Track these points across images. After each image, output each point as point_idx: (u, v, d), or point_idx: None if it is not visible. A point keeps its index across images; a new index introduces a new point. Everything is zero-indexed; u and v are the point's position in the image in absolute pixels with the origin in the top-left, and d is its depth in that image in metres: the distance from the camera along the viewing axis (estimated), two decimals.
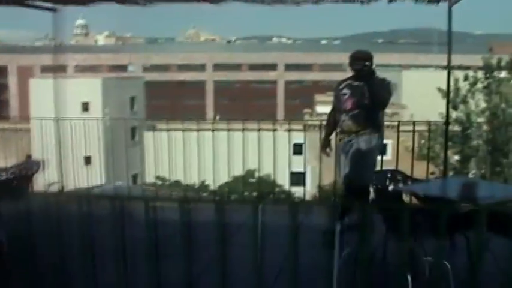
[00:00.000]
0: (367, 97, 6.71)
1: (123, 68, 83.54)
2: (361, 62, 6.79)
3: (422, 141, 17.25)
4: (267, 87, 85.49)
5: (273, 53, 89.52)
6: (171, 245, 4.08)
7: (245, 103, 78.44)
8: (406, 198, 6.25)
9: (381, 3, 6.96)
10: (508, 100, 22.20)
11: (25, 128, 33.03)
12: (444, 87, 20.12)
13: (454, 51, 7.54)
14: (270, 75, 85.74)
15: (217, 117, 62.41)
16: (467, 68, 22.79)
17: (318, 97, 48.82)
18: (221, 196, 25.35)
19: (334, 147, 7.27)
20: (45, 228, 4.32)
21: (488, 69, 22.87)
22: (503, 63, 23.07)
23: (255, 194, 28.71)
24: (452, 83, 17.49)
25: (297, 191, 19.01)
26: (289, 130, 10.17)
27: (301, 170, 13.39)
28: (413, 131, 9.00)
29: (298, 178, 18.27)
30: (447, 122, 7.94)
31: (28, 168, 7.28)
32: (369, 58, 6.84)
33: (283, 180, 28.28)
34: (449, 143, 14.59)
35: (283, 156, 11.28)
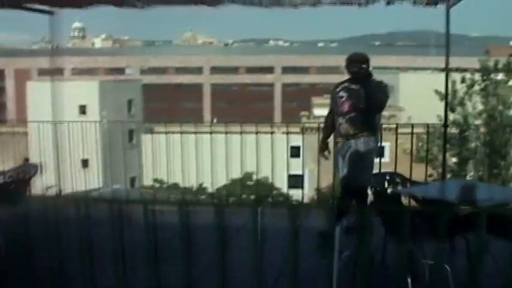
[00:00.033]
0: (364, 100, 6.67)
1: (120, 70, 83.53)
2: (357, 65, 6.75)
3: (420, 143, 17.26)
4: (264, 90, 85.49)
5: (270, 56, 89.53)
6: (170, 248, 4.07)
7: (242, 106, 78.43)
8: (404, 200, 6.24)
9: (378, 5, 6.97)
10: (506, 102, 22.22)
11: (22, 131, 33.07)
12: (441, 89, 20.16)
13: (451, 54, 7.53)
14: (267, 78, 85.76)
15: (215, 120, 62.41)
16: (464, 70, 22.79)
17: (315, 100, 48.88)
18: (219, 199, 25.32)
19: (333, 150, 7.25)
20: (43, 232, 4.31)
21: (485, 71, 22.88)
22: (500, 66, 23.08)
23: (252, 196, 28.70)
24: (449, 85, 17.51)
25: (295, 193, 18.98)
26: (288, 133, 10.15)
27: (298, 172, 13.38)
28: (412, 134, 9.00)
29: (295, 181, 18.25)
30: (445, 125, 7.94)
31: (26, 171, 7.26)
32: (366, 61, 6.81)
33: (280, 183, 28.29)
34: (447, 145, 14.59)
35: (281, 158, 11.26)
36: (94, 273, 4.32)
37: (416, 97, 39.75)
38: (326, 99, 7.34)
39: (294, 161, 14.82)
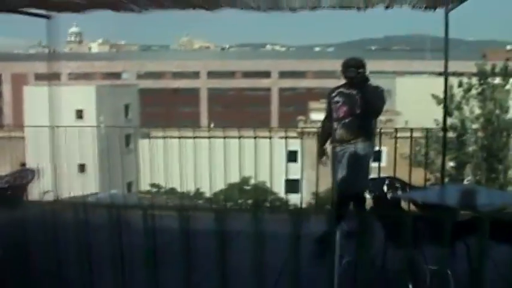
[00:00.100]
0: (360, 105, 6.63)
1: (117, 75, 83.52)
2: (354, 70, 6.69)
3: (418, 147, 17.25)
4: (261, 95, 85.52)
5: (267, 61, 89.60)
6: (169, 253, 4.04)
7: (239, 110, 78.44)
8: (404, 205, 6.22)
9: (376, 9, 6.96)
10: (503, 106, 22.25)
11: (19, 136, 32.99)
12: (438, 93, 20.18)
13: (448, 58, 7.52)
14: (263, 82, 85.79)
15: (212, 125, 62.39)
16: (461, 74, 22.82)
17: (312, 104, 48.91)
18: (217, 203, 25.29)
19: (331, 155, 7.21)
20: (41, 237, 4.28)
21: (482, 75, 22.92)
22: (497, 70, 23.12)
23: (250, 201, 28.68)
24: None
25: (292, 198, 18.98)
26: (286, 137, 10.12)
27: (295, 177, 13.35)
28: (411, 138, 8.96)
29: (292, 185, 18.23)
30: (445, 129, 7.93)
31: (23, 177, 7.24)
32: (362, 65, 6.75)
33: (277, 187, 28.28)
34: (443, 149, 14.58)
35: (278, 163, 11.24)
36: (92, 279, 4.29)
37: (413, 101, 39.78)
38: (323, 104, 7.31)
39: (291, 165, 14.80)
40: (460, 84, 22.50)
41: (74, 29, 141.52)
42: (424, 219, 4.91)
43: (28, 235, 4.49)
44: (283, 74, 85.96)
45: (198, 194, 26.46)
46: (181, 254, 3.98)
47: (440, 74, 8.13)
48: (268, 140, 10.35)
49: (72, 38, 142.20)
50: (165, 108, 78.79)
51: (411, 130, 8.81)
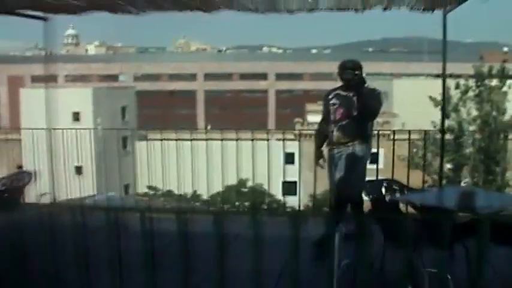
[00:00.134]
0: (356, 107, 6.60)
1: (114, 77, 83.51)
2: (350, 72, 6.65)
3: (415, 150, 17.26)
4: (257, 97, 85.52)
5: (264, 63, 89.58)
6: (167, 255, 4.02)
7: (236, 112, 78.42)
8: (402, 207, 6.20)
9: (374, 11, 6.95)
10: (500, 108, 22.30)
11: (16, 138, 32.94)
12: (435, 95, 20.16)
13: (446, 60, 7.51)
14: (260, 84, 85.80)
15: (209, 127, 62.34)
16: (458, 76, 22.86)
17: (309, 106, 48.94)
18: (214, 206, 25.28)
19: (327, 158, 7.17)
20: (38, 240, 4.26)
21: (479, 77, 22.97)
22: (494, 71, 23.17)
23: (247, 203, 28.68)
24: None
25: (289, 200, 18.97)
26: (284, 139, 10.11)
27: (292, 179, 13.34)
28: (409, 140, 8.96)
29: (290, 187, 18.22)
30: (443, 131, 7.92)
31: (20, 179, 7.21)
32: (359, 67, 6.68)
33: (274, 189, 28.27)
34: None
35: (275, 165, 11.23)
36: (90, 281, 4.26)
37: (410, 103, 39.81)
38: (320, 106, 7.27)
39: (288, 167, 14.80)
40: (457, 86, 22.56)
41: (70, 31, 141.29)
42: (423, 222, 4.89)
43: (25, 238, 4.47)
44: (280, 76, 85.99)
45: (195, 196, 26.43)
46: (179, 256, 3.96)
47: (437, 76, 8.13)
48: (265, 142, 10.33)
49: (69, 40, 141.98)
50: (162, 110, 78.75)
51: (409, 132, 8.81)
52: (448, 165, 20.64)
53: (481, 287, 4.20)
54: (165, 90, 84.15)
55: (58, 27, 8.12)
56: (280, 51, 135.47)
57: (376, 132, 7.70)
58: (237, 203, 29.11)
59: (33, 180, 7.22)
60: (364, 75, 6.78)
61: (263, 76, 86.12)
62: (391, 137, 9.09)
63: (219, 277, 3.95)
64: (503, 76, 23.09)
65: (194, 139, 11.75)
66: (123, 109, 51.58)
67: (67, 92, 44.52)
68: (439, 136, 13.79)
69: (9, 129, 54.11)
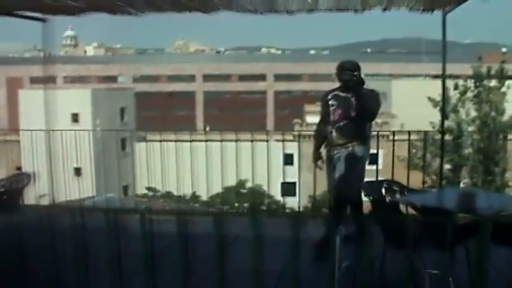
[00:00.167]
0: (355, 109, 6.57)
1: (113, 78, 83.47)
2: (348, 73, 6.62)
3: (414, 150, 17.26)
4: (256, 98, 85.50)
5: (262, 64, 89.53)
6: (167, 257, 4.01)
7: (235, 113, 78.41)
8: (403, 208, 6.19)
9: (374, 11, 6.95)
10: (498, 108, 22.31)
11: (15, 139, 32.94)
12: (434, 96, 20.15)
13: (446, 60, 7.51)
14: (259, 85, 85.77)
15: (207, 128, 62.31)
16: (457, 77, 22.86)
17: (308, 107, 48.95)
18: (213, 207, 25.27)
19: (326, 159, 7.14)
20: (37, 242, 4.24)
21: (478, 78, 22.98)
22: (492, 72, 23.18)
23: (246, 204, 28.67)
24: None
25: (289, 201, 18.95)
26: (283, 140, 10.10)
27: (292, 180, 13.33)
28: (409, 140, 8.94)
29: (289, 188, 18.20)
30: (443, 131, 7.91)
31: (18, 181, 7.19)
32: (357, 68, 6.65)
33: (274, 190, 28.26)
34: (441, 152, 14.61)
35: (274, 166, 11.21)
36: (89, 283, 4.25)
37: (409, 104, 39.79)
38: (318, 107, 7.25)
39: (287, 168, 14.79)
40: (456, 87, 22.58)
41: (69, 33, 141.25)
42: (423, 223, 4.88)
43: (24, 240, 4.46)
44: (278, 77, 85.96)
45: (195, 197, 26.42)
46: (179, 258, 3.95)
47: (436, 76, 8.13)
48: (263, 143, 10.32)
49: (68, 42, 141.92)
50: (161, 112, 78.72)
51: (409, 133, 8.80)
52: (447, 166, 20.64)
53: (483, 287, 4.19)
54: (164, 92, 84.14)
55: (57, 28, 8.11)
56: (279, 52, 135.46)
57: (376, 133, 7.69)
58: (236, 204, 29.12)
59: (32, 182, 7.20)
60: (363, 76, 6.76)
61: (262, 77, 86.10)
62: (390, 137, 9.09)
63: (219, 278, 3.93)
64: (502, 77, 23.11)
65: (194, 140, 11.75)
66: (122, 110, 51.57)
67: (66, 94, 44.53)
68: (438, 137, 13.78)
69: (7, 130, 54.07)
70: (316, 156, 7.07)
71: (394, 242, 4.90)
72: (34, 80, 70.05)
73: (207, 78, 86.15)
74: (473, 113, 22.38)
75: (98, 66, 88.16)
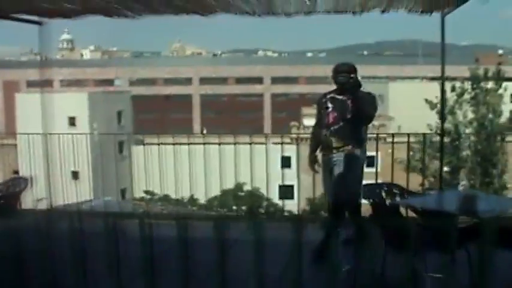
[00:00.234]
0: (351, 111, 6.52)
1: (109, 82, 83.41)
2: (345, 75, 6.57)
3: (411, 152, 17.26)
4: (253, 100, 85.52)
5: (259, 66, 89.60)
6: (165, 261, 3.98)
7: (232, 116, 78.43)
8: (403, 211, 6.16)
9: (369, 15, 6.92)
10: (496, 110, 22.33)
11: (11, 143, 32.88)
12: (431, 98, 20.13)
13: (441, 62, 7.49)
14: (256, 88, 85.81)
15: (204, 131, 62.31)
16: (454, 79, 22.87)
17: (305, 110, 48.94)
18: (211, 210, 25.23)
19: (321, 162, 7.07)
20: (35, 246, 4.21)
21: (475, 80, 23.01)
22: (489, 74, 23.21)
23: (244, 207, 28.62)
24: (439, 94, 17.55)
25: (287, 204, 18.91)
26: (281, 143, 10.06)
27: (289, 183, 13.30)
28: (408, 143, 8.91)
29: (287, 191, 18.18)
30: (442, 134, 7.89)
31: (15, 185, 7.15)
32: (353, 70, 6.60)
33: (271, 193, 28.22)
34: (438, 154, 14.60)
35: (272, 169, 11.18)
36: (88, 287, 4.21)
37: (406, 106, 39.82)
38: (315, 109, 7.21)
39: (285, 171, 14.76)
40: (453, 89, 22.58)
41: (65, 36, 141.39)
42: (424, 226, 4.85)
43: (22, 244, 4.41)
44: (275, 80, 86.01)
45: (193, 200, 26.38)
46: (179, 262, 3.91)
47: (433, 78, 8.11)
48: (261, 146, 10.30)
49: (64, 45, 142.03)
50: (158, 115, 78.70)
51: (408, 135, 8.77)
52: (445, 168, 20.63)
53: None
54: (161, 95, 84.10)
55: (53, 31, 8.08)
56: (276, 55, 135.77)
57: (374, 135, 7.65)
58: (234, 207, 29.08)
59: (29, 186, 7.16)
60: (359, 78, 6.71)
61: (258, 80, 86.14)
62: (387, 140, 9.06)
63: (218, 282, 3.90)
64: (498, 78, 23.13)
65: (191, 143, 11.72)
66: (119, 114, 51.54)
67: (62, 97, 44.47)
68: (435, 139, 13.75)
69: (4, 134, 54.02)
70: (312, 160, 7.00)
71: (395, 245, 4.87)
72: (31, 84, 69.98)
73: (203, 81, 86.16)
74: (471, 115, 22.40)
75: (95, 70, 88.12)
